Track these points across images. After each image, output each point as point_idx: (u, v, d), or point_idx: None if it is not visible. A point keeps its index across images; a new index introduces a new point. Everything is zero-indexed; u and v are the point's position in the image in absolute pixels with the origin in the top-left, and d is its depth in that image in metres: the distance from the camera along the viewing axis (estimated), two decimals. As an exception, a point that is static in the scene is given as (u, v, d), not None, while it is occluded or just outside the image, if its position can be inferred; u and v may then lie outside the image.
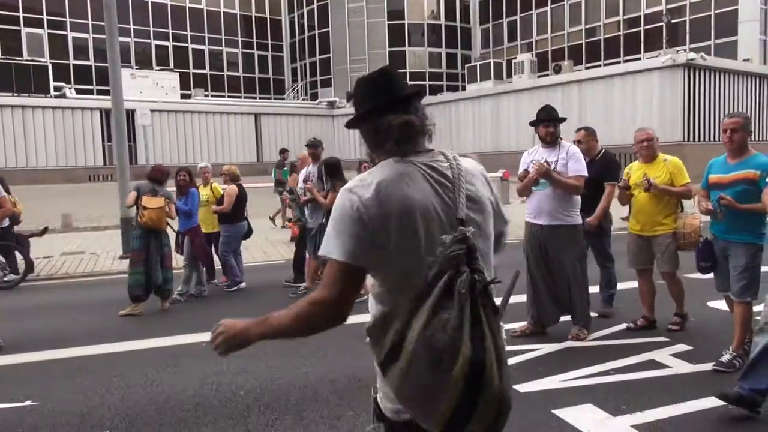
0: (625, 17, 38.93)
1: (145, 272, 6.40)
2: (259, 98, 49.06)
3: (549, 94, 31.50)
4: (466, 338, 1.38)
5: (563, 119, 5.07)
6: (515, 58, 38.34)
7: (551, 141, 4.95)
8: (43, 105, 34.22)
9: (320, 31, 48.62)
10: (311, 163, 7.50)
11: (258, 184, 17.91)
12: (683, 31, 35.86)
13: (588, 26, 40.98)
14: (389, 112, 1.63)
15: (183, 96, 41.15)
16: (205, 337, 5.28)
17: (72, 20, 43.43)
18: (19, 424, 3.71)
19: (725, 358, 4.25)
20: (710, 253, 4.42)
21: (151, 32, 46.81)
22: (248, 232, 7.97)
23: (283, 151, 15.78)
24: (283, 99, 49.63)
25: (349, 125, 1.73)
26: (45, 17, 42.61)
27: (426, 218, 1.52)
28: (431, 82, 46.53)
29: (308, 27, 50.11)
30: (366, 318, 1.57)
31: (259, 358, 4.88)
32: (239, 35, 50.95)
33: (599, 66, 36.52)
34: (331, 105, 44.32)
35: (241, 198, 7.69)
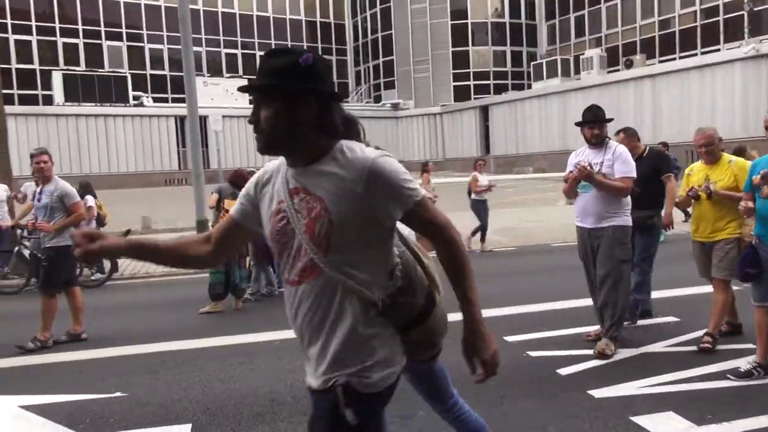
0: (702, 7, 37.01)
1: (226, 272, 6.67)
2: (324, 102, 49.92)
3: (620, 90, 30.43)
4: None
5: (609, 120, 4.87)
6: (583, 53, 37.27)
7: (597, 143, 4.77)
8: (123, 114, 36.23)
9: (383, 33, 48.96)
10: None
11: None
12: (767, 19, 33.74)
13: (661, 18, 39.23)
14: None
15: (251, 102, 42.41)
16: (278, 335, 5.46)
17: (149, 32, 45.70)
18: (110, 414, 3.95)
19: (745, 367, 4.05)
20: (757, 260, 4.04)
21: (222, 41, 48.58)
22: None
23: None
24: (348, 102, 50.32)
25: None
26: (124, 30, 45.05)
27: None
28: (495, 81, 45.92)
29: (371, 30, 50.58)
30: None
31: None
32: (305, 41, 52.03)
33: (674, 59, 34.91)
34: (395, 107, 44.56)
35: None
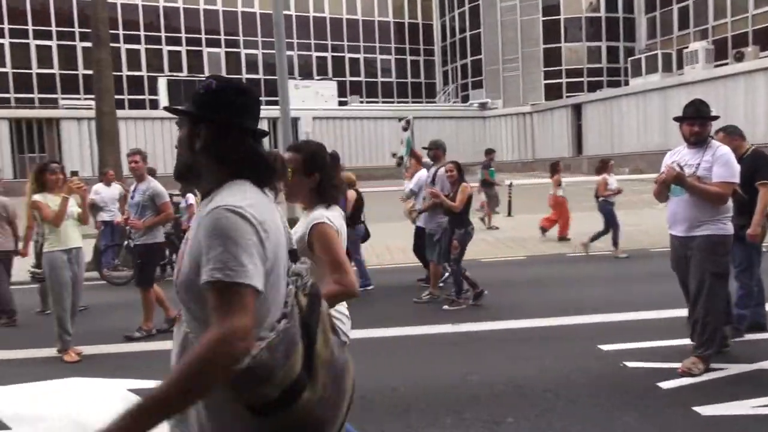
0: (826, -8, 33.73)
1: None
2: (411, 102, 50.12)
3: (728, 85, 28.34)
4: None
5: (714, 117, 4.38)
6: (687, 47, 34.99)
7: (696, 142, 4.30)
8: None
9: (471, 32, 48.42)
10: (421, 167, 7.67)
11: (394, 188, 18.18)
12: None
13: (777, 6, 36.12)
14: (253, 137, 1.58)
15: (340, 103, 43.37)
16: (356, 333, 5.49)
17: (245, 38, 47.85)
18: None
19: None
20: None
21: (312, 44, 49.97)
22: (366, 236, 8.11)
23: (489, 152, 15.59)
24: (435, 102, 50.18)
25: (200, 117, 1.53)
26: (223, 37, 47.44)
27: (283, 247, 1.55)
28: (589, 79, 44.15)
29: (459, 29, 50.16)
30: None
31: (420, 355, 4.96)
32: (392, 42, 52.49)
33: (791, 50, 32.04)
34: (483, 106, 43.93)
35: (359, 202, 7.87)
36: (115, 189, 9.78)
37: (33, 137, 34.31)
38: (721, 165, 4.19)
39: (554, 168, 11.99)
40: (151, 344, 5.73)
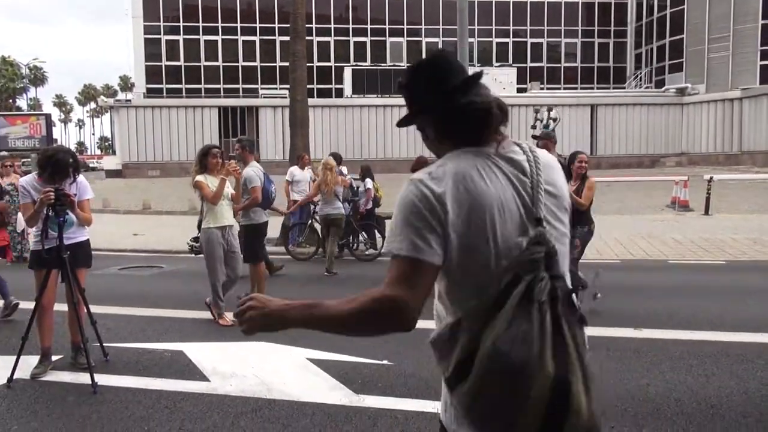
0: None
1: None
2: (597, 88, 47.05)
3: None
4: (548, 353, 1.21)
5: None
6: None
7: None
8: (399, 104, 39.22)
9: (673, 10, 43.82)
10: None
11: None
12: None
13: None
14: (458, 94, 1.42)
15: (519, 90, 42.18)
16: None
17: (426, 27, 48.61)
18: (378, 379, 4.28)
19: None
20: None
21: (494, 30, 49.16)
22: None
23: None
24: (623, 88, 46.55)
25: (412, 117, 1.49)
26: (405, 27, 48.73)
27: (502, 217, 1.34)
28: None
29: (659, 6, 45.71)
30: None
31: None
32: (579, 24, 49.62)
33: None
34: (681, 92, 39.69)
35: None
36: (308, 172, 10.54)
37: (237, 123, 38.51)
38: None
39: None
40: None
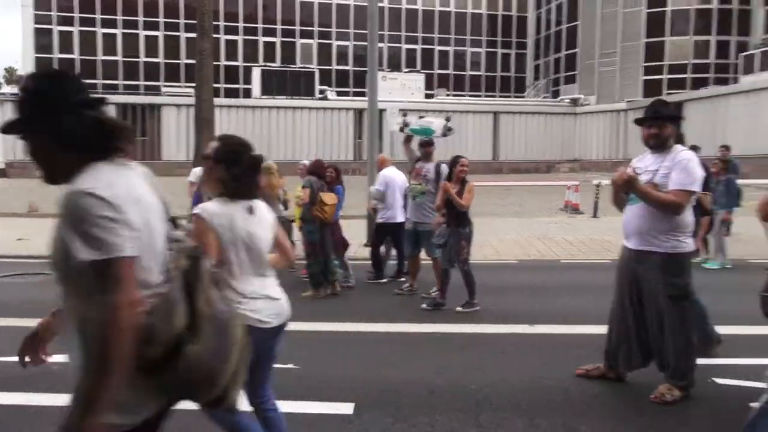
0: None
1: (325, 261, 7.02)
2: (499, 97, 49.22)
3: None
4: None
5: (677, 117, 3.94)
6: (808, 42, 32.09)
7: (656, 145, 3.91)
8: (308, 106, 39.10)
9: (568, 25, 46.77)
10: (391, 164, 7.77)
11: (492, 182, 17.95)
12: None
13: None
14: (89, 109, 1.58)
15: (427, 96, 43.29)
16: (441, 328, 5.47)
17: (338, 30, 48.76)
18: (282, 384, 4.26)
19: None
20: None
21: (403, 37, 50.13)
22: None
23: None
24: (524, 97, 48.99)
25: (26, 125, 1.56)
26: (316, 29, 48.61)
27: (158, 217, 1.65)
28: (694, 75, 41.54)
29: (555, 22, 48.60)
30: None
31: (491, 355, 4.89)
32: (484, 35, 51.69)
33: None
34: (574, 102, 42.39)
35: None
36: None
37: (137, 121, 36.72)
38: (679, 170, 3.78)
39: None
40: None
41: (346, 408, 3.78)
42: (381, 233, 7.97)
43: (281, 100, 38.99)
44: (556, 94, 46.69)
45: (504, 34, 52.20)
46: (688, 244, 3.94)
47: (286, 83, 40.78)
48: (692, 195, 3.85)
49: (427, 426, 3.55)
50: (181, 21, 45.29)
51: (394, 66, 47.59)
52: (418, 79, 43.30)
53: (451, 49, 51.28)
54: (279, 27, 48.30)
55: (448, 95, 45.56)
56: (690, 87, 40.22)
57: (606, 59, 43.78)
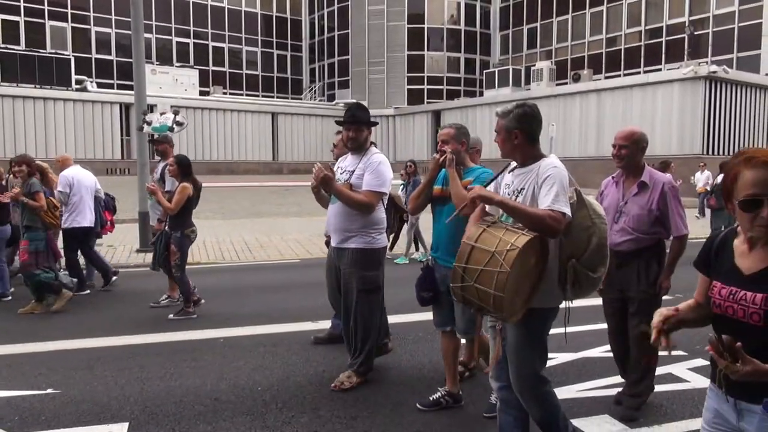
0: (647, 27, 38.66)
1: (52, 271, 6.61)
2: (277, 97, 49.35)
3: (567, 102, 31.37)
4: None
5: (372, 123, 4.31)
6: (534, 65, 38.24)
7: (353, 147, 4.21)
8: (64, 98, 34.67)
9: (340, 32, 48.81)
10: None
11: (272, 183, 17.95)
12: (706, 43, 35.55)
13: (609, 36, 40.76)
14: None
15: (202, 93, 41.50)
16: (222, 332, 5.33)
17: (96, 15, 43.97)
18: (41, 411, 3.77)
19: (434, 396, 3.85)
20: (432, 281, 3.80)
21: (173, 29, 47.24)
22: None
23: None
24: (301, 99, 49.85)
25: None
26: (69, 11, 43.17)
27: None
28: (449, 87, 46.58)
29: (328, 28, 50.33)
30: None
31: (276, 355, 4.93)
32: (260, 34, 51.28)
33: (619, 76, 36.30)
34: (348, 107, 44.49)
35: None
36: None
37: None
38: (370, 173, 4.09)
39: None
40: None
41: (119, 429, 3.51)
42: (71, 240, 7.26)
43: (29, 89, 33.94)
44: (331, 98, 48.44)
45: (279, 35, 52.39)
46: (381, 240, 4.21)
47: (35, 70, 35.57)
48: (382, 195, 4.15)
49: (213, 434, 3.46)
50: None
51: (165, 59, 44.63)
52: (191, 75, 41.25)
53: (225, 46, 49.81)
54: (22, 4, 41.79)
55: (225, 93, 44.28)
56: (446, 97, 45.06)
57: (375, 67, 46.77)
